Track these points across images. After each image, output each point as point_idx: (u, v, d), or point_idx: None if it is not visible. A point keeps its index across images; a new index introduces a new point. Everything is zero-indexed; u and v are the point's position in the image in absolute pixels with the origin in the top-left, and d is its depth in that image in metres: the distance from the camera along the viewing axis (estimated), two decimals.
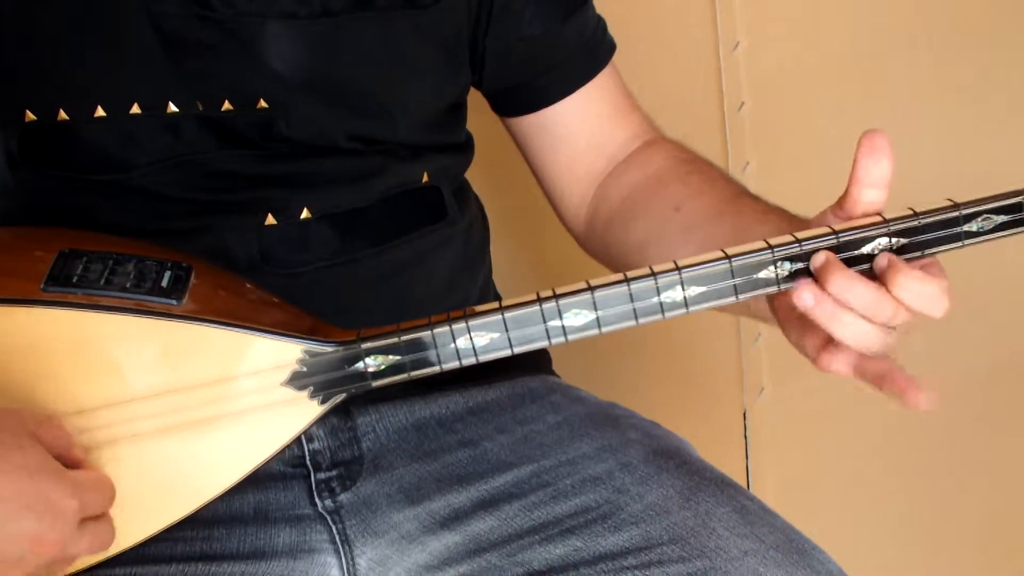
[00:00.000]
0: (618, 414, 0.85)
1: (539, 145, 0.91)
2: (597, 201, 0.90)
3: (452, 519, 0.77)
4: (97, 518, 0.61)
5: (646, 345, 1.36)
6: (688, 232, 0.81)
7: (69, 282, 0.64)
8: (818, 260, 0.64)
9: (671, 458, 0.79)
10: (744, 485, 0.96)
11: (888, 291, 0.62)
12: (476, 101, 0.90)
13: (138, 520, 0.66)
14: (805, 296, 0.63)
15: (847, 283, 0.62)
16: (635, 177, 0.88)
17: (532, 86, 0.88)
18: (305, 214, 0.77)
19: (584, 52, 0.88)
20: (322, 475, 0.78)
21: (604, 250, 0.91)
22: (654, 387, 1.38)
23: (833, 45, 1.26)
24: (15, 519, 0.54)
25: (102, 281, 0.65)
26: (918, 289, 0.62)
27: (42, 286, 0.64)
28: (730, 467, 0.99)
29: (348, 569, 0.77)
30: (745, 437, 1.39)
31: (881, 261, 0.64)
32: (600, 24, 0.90)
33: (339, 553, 0.77)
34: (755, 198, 0.81)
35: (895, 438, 1.40)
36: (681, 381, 1.39)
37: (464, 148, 0.90)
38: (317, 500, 0.78)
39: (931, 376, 0.65)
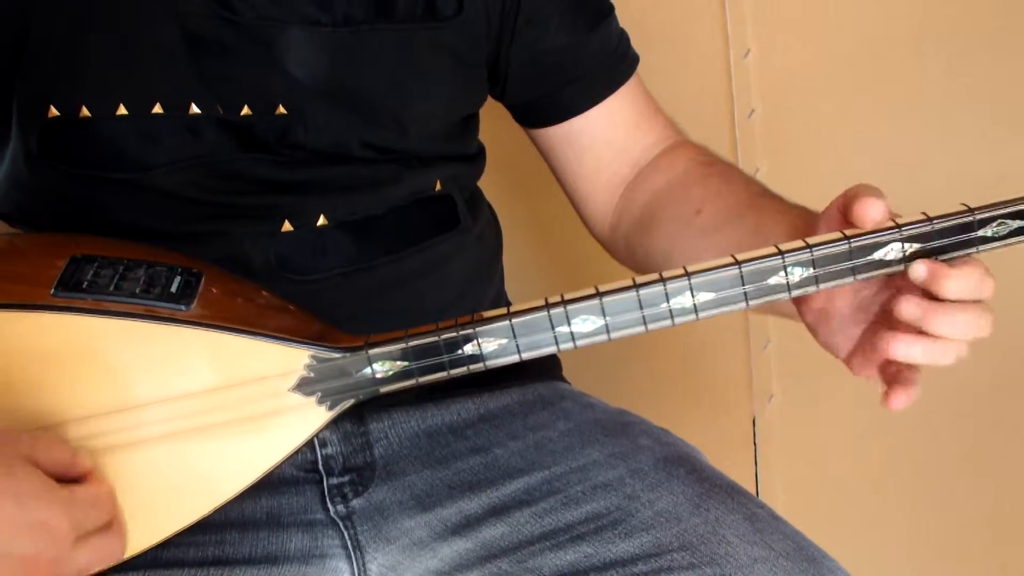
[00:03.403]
0: (628, 420, 0.85)
1: (564, 155, 0.91)
2: (622, 207, 0.91)
3: (463, 526, 0.77)
4: (101, 531, 0.61)
5: (656, 351, 1.36)
6: (708, 235, 0.81)
7: (79, 287, 0.65)
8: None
9: (681, 465, 0.79)
10: (753, 492, 0.96)
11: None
12: (487, 106, 0.90)
13: (148, 525, 0.66)
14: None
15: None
16: (658, 182, 0.88)
17: (556, 98, 0.88)
18: (322, 221, 0.78)
19: (608, 63, 0.88)
20: (334, 480, 0.79)
21: (630, 254, 0.91)
22: (664, 393, 1.38)
23: (843, 51, 1.26)
24: (6, 544, 0.55)
25: (112, 287, 0.65)
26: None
27: (52, 291, 0.64)
28: (739, 474, 0.99)
29: (360, 574, 0.77)
30: (754, 444, 1.39)
31: (921, 270, 0.63)
32: (623, 36, 0.90)
33: (351, 559, 0.77)
34: (775, 197, 0.81)
35: (904, 445, 1.40)
36: (691, 388, 1.39)
37: (475, 158, 0.91)
38: (329, 505, 0.78)
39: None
